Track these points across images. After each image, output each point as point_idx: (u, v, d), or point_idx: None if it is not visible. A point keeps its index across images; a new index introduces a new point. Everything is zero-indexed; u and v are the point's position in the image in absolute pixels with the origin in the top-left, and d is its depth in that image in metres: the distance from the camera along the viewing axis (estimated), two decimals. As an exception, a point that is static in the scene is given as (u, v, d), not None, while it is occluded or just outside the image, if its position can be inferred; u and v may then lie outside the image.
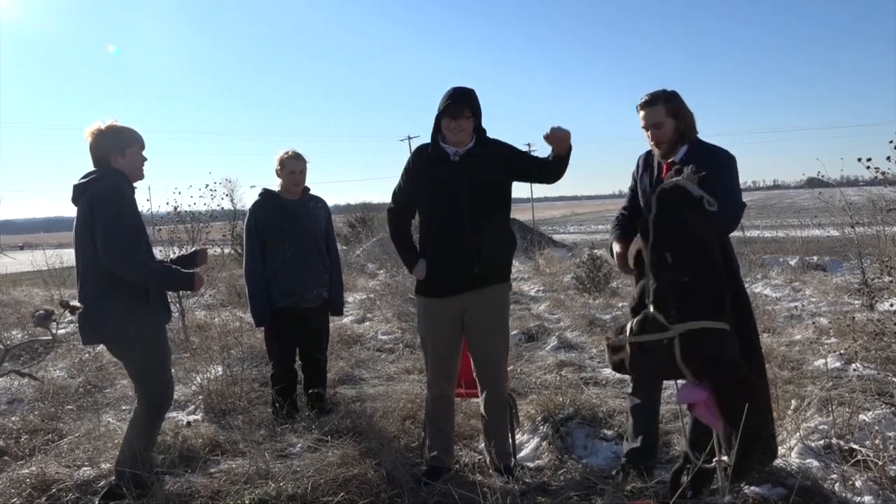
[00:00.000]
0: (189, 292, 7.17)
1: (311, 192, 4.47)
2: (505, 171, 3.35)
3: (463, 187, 3.27)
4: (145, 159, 3.34)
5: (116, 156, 3.20)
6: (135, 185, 3.28)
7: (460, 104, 3.24)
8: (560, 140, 3.15)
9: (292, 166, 4.29)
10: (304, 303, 4.25)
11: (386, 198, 3.70)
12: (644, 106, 2.96)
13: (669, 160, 2.96)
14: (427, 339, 3.48)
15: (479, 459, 3.62)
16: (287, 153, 4.31)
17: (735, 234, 10.38)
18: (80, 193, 3.15)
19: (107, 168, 3.21)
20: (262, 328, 4.44)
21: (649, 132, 2.97)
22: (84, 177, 3.19)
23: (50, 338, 1.50)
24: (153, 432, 3.35)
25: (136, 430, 3.26)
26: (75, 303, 1.55)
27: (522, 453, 3.76)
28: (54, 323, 1.32)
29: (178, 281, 3.29)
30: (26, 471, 3.49)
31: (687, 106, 2.93)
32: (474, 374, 3.52)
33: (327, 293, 4.37)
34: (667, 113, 2.90)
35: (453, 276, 3.31)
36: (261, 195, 4.37)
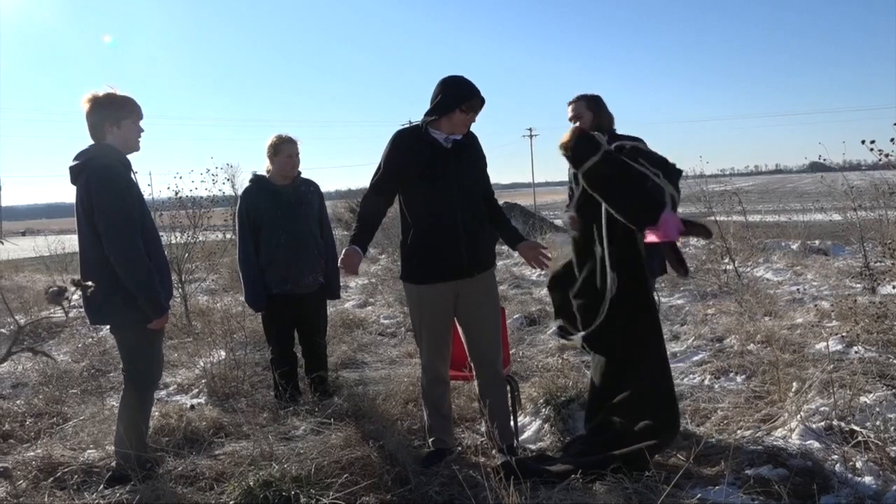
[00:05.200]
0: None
1: (303, 175, 4.37)
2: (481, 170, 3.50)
3: (455, 173, 3.28)
4: (142, 130, 3.27)
5: (112, 126, 3.15)
6: (129, 156, 3.23)
7: (481, 100, 3.27)
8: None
9: (289, 149, 4.21)
10: (299, 289, 4.20)
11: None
12: (571, 102, 3.61)
13: None
14: (421, 325, 3.45)
15: (482, 441, 3.64)
16: (280, 137, 4.22)
17: (737, 218, 10.15)
18: (77, 174, 3.12)
19: (100, 143, 3.16)
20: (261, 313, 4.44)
21: (572, 121, 3.55)
22: (77, 157, 3.14)
23: (63, 315, 1.51)
24: (144, 410, 3.35)
25: (127, 411, 3.27)
26: (88, 282, 1.56)
27: (525, 435, 3.78)
28: (66, 301, 1.33)
29: (151, 300, 3.13)
30: (32, 453, 3.52)
31: (607, 108, 3.59)
32: (469, 359, 3.52)
33: (323, 278, 4.31)
34: (587, 107, 3.55)
35: (445, 263, 3.31)
36: (252, 181, 4.29)
